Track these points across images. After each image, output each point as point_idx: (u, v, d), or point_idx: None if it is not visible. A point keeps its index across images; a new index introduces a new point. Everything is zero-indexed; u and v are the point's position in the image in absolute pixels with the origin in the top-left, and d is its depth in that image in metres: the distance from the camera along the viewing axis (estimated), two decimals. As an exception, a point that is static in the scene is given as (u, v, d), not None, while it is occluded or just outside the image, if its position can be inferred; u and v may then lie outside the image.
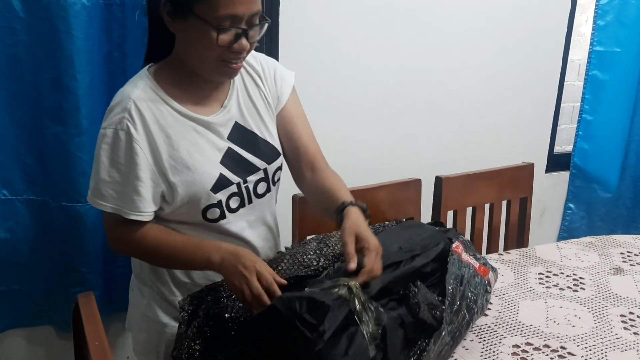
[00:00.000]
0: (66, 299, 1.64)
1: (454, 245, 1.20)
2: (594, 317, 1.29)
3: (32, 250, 1.63)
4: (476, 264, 1.22)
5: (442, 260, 1.16)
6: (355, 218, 1.10)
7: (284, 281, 1.01)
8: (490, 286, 1.26)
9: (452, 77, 2.22)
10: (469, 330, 1.20)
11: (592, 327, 1.25)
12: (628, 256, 1.62)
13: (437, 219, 1.68)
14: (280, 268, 1.11)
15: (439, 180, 1.73)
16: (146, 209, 1.09)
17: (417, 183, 1.69)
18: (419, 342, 1.02)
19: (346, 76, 2.02)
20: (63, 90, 1.49)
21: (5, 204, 1.57)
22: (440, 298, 1.09)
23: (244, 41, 1.05)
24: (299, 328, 0.89)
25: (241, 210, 1.19)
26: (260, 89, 1.22)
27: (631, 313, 1.31)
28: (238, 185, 1.16)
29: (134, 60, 1.55)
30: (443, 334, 1.04)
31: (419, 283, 1.08)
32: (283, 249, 1.21)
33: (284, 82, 1.26)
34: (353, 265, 1.00)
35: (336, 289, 0.94)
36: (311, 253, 1.17)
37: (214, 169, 1.13)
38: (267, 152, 1.21)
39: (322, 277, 1.05)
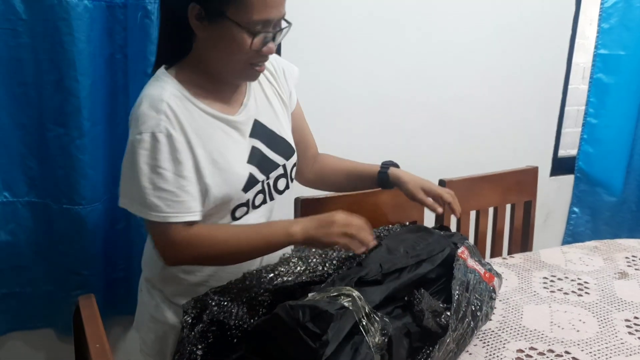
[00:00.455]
0: (67, 301, 1.63)
1: (459, 251, 1.19)
2: (598, 321, 1.28)
3: (34, 253, 1.63)
4: (482, 270, 1.21)
5: (448, 266, 1.14)
6: (408, 175, 1.32)
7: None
8: (495, 293, 1.24)
9: (456, 80, 2.22)
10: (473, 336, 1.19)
11: (597, 332, 1.23)
12: (633, 260, 1.61)
13: (441, 222, 1.67)
14: (285, 271, 1.11)
15: (442, 184, 1.73)
16: (197, 208, 1.08)
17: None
18: (423, 350, 1.01)
19: (350, 80, 2.02)
20: (65, 93, 1.49)
21: (6, 207, 1.57)
22: (445, 305, 1.08)
23: (271, 45, 1.07)
24: (302, 337, 0.87)
25: (263, 206, 1.20)
26: (273, 86, 1.25)
27: (636, 318, 1.30)
28: (262, 182, 1.18)
29: (135, 62, 1.55)
30: (447, 340, 1.03)
31: (422, 290, 1.07)
32: (289, 250, 1.21)
33: (292, 78, 1.29)
34: (440, 209, 1.28)
35: (340, 298, 0.93)
36: (317, 257, 1.16)
37: (244, 169, 1.14)
38: (284, 149, 1.23)
39: (327, 284, 1.04)
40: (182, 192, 1.04)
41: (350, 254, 1.16)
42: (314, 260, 1.15)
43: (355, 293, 0.95)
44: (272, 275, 1.10)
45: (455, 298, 1.07)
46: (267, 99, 1.23)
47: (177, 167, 1.04)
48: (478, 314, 1.14)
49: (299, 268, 1.13)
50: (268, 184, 1.20)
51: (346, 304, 0.92)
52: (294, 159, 1.26)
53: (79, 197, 1.57)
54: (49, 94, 1.50)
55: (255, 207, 1.19)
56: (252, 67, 1.09)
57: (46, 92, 1.50)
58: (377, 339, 0.93)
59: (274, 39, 1.07)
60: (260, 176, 1.17)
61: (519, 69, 2.34)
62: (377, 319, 0.95)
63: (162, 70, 1.11)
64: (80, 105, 1.50)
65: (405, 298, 1.06)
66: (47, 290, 1.66)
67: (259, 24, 1.02)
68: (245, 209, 1.17)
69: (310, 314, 0.89)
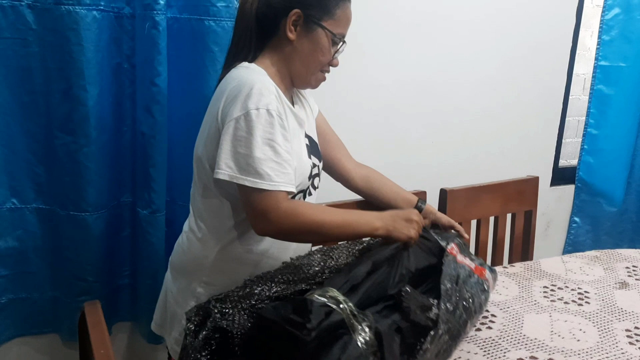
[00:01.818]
0: (72, 307, 1.65)
1: (448, 248, 1.22)
2: (599, 331, 1.29)
3: (40, 259, 1.64)
4: (472, 265, 1.24)
5: (437, 262, 1.18)
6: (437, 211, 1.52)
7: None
8: (488, 285, 1.27)
9: (457, 90, 2.24)
10: (472, 342, 1.20)
11: (597, 342, 1.24)
12: (633, 270, 1.62)
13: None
14: (285, 279, 1.12)
15: (443, 193, 1.74)
16: (295, 183, 1.16)
17: (421, 195, 1.69)
18: (417, 346, 1.02)
19: (351, 90, 2.04)
20: (73, 101, 1.51)
21: (14, 213, 1.58)
22: (435, 300, 1.09)
23: (338, 59, 1.27)
24: (287, 329, 0.90)
25: (302, 200, 1.28)
26: (299, 96, 1.36)
27: (636, 328, 1.31)
28: (310, 177, 1.27)
29: (143, 71, 1.57)
30: (440, 332, 1.04)
31: (408, 287, 1.08)
32: (288, 259, 1.22)
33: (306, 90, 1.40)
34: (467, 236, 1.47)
35: (325, 299, 0.96)
36: (315, 265, 1.18)
37: (309, 162, 1.26)
38: (317, 151, 1.34)
39: (313, 290, 1.05)
40: (288, 166, 1.12)
41: (345, 262, 1.20)
42: (313, 269, 1.17)
43: (341, 297, 0.97)
44: (271, 283, 1.12)
45: (446, 290, 1.09)
46: (304, 108, 1.36)
47: (285, 144, 1.12)
48: (470, 306, 1.16)
49: (298, 276, 1.14)
50: (311, 181, 1.30)
51: (330, 304, 0.95)
52: (322, 162, 1.38)
53: (85, 204, 1.58)
54: (58, 103, 1.52)
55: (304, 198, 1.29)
56: (322, 73, 1.27)
57: (54, 101, 1.52)
58: (367, 337, 0.94)
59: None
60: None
61: (520, 79, 2.36)
62: (364, 317, 0.96)
63: (246, 63, 1.20)
64: (88, 114, 1.53)
65: (395, 296, 1.07)
66: (52, 296, 1.67)
67: (340, 36, 1.22)
68: (301, 196, 1.26)
69: (292, 307, 0.92)
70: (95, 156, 1.56)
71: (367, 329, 0.95)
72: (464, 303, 1.14)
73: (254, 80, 1.12)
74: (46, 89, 1.52)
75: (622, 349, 1.22)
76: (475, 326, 1.25)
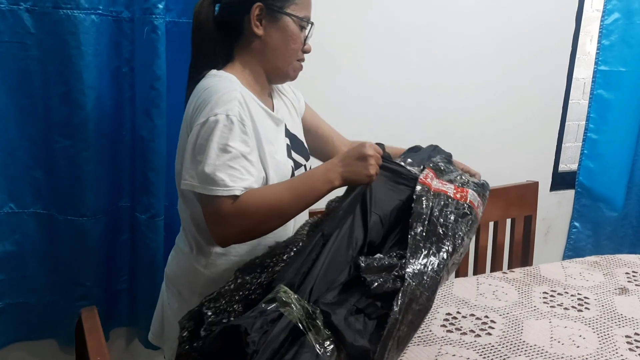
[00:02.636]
0: (70, 312, 1.64)
1: (422, 176, 1.09)
2: (598, 337, 1.28)
3: (38, 263, 1.64)
4: (450, 189, 1.11)
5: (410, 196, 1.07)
6: None
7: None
8: (471, 207, 1.12)
9: (457, 95, 2.24)
10: (471, 348, 1.19)
11: (597, 348, 1.24)
12: (633, 276, 1.61)
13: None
14: (274, 262, 1.07)
15: (443, 198, 1.73)
16: (252, 185, 1.10)
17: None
18: (390, 314, 0.91)
19: (351, 94, 2.04)
20: (72, 105, 1.51)
21: (12, 217, 1.58)
22: (399, 252, 0.99)
23: (309, 44, 1.24)
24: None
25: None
26: (280, 94, 1.35)
27: (636, 334, 1.30)
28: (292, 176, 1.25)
29: (142, 75, 1.57)
30: (408, 291, 0.92)
31: (361, 258, 0.96)
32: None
33: (292, 85, 1.38)
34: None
35: (275, 304, 0.88)
36: (302, 240, 1.10)
37: (289, 162, 1.24)
38: (303, 151, 1.33)
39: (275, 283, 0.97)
40: (245, 171, 1.08)
41: None
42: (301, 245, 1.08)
43: (292, 295, 0.90)
44: (263, 268, 1.06)
45: (412, 237, 0.99)
46: (285, 106, 1.33)
47: (244, 147, 1.09)
48: (447, 245, 1.03)
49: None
50: None
51: (281, 310, 0.87)
52: (310, 161, 1.35)
53: (83, 208, 1.58)
54: (56, 106, 1.52)
55: None
56: (299, 62, 1.24)
57: (53, 105, 1.52)
58: (324, 334, 0.87)
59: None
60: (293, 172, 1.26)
61: (520, 83, 2.36)
62: (317, 314, 0.89)
63: (214, 71, 1.18)
64: (87, 118, 1.53)
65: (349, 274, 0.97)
66: (50, 300, 1.67)
67: (306, 19, 1.21)
68: None
69: (224, 338, 0.86)
70: (94, 160, 1.56)
71: (321, 326, 0.87)
72: (441, 245, 1.01)
73: (218, 87, 1.11)
74: (45, 93, 1.52)
75: (622, 355, 1.21)
76: (459, 263, 1.11)
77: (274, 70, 1.23)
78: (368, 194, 1.06)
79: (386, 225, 1.04)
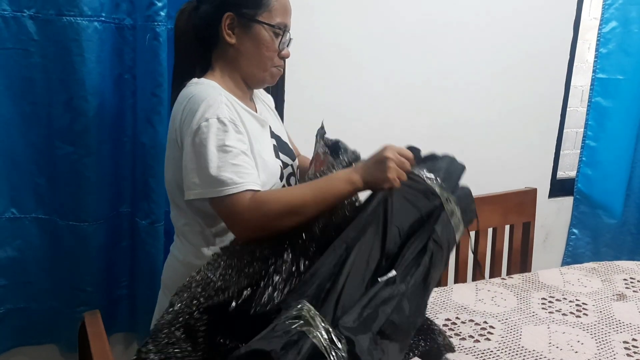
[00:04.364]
0: (71, 318, 1.64)
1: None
2: (596, 343, 1.29)
3: (39, 269, 1.64)
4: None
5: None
6: None
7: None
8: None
9: (455, 102, 2.25)
10: (470, 353, 1.20)
11: (595, 354, 1.24)
12: (631, 282, 1.62)
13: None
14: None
15: (442, 204, 1.74)
16: (257, 180, 1.11)
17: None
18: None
19: (350, 102, 2.05)
20: (74, 112, 1.52)
21: (14, 223, 1.59)
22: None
23: (287, 50, 1.25)
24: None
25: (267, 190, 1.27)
26: (260, 97, 1.38)
27: (634, 340, 1.31)
28: (281, 177, 1.26)
29: (144, 82, 1.58)
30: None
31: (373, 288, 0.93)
32: None
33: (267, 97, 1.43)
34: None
35: (294, 324, 0.86)
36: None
37: (277, 162, 1.25)
38: (289, 151, 1.34)
39: (292, 299, 0.93)
40: (249, 165, 1.09)
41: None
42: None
43: (317, 316, 0.88)
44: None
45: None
46: (266, 109, 1.37)
47: (241, 145, 1.10)
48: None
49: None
50: (287, 180, 1.30)
51: (304, 330, 0.85)
52: (297, 161, 1.37)
53: (85, 214, 1.59)
54: (59, 113, 1.53)
55: None
56: (276, 68, 1.25)
57: (56, 111, 1.53)
58: (344, 354, 0.85)
59: (288, 43, 1.25)
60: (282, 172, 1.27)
61: (518, 91, 2.37)
62: (342, 342, 0.86)
63: (196, 79, 1.19)
64: (89, 124, 1.54)
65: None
66: (52, 306, 1.67)
67: (280, 26, 1.21)
68: None
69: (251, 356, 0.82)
70: (95, 167, 1.57)
71: (345, 348, 0.85)
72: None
73: (203, 94, 1.12)
74: (48, 100, 1.53)
75: (620, 361, 1.22)
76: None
77: (250, 77, 1.25)
78: (390, 203, 1.03)
79: (404, 237, 1.03)
